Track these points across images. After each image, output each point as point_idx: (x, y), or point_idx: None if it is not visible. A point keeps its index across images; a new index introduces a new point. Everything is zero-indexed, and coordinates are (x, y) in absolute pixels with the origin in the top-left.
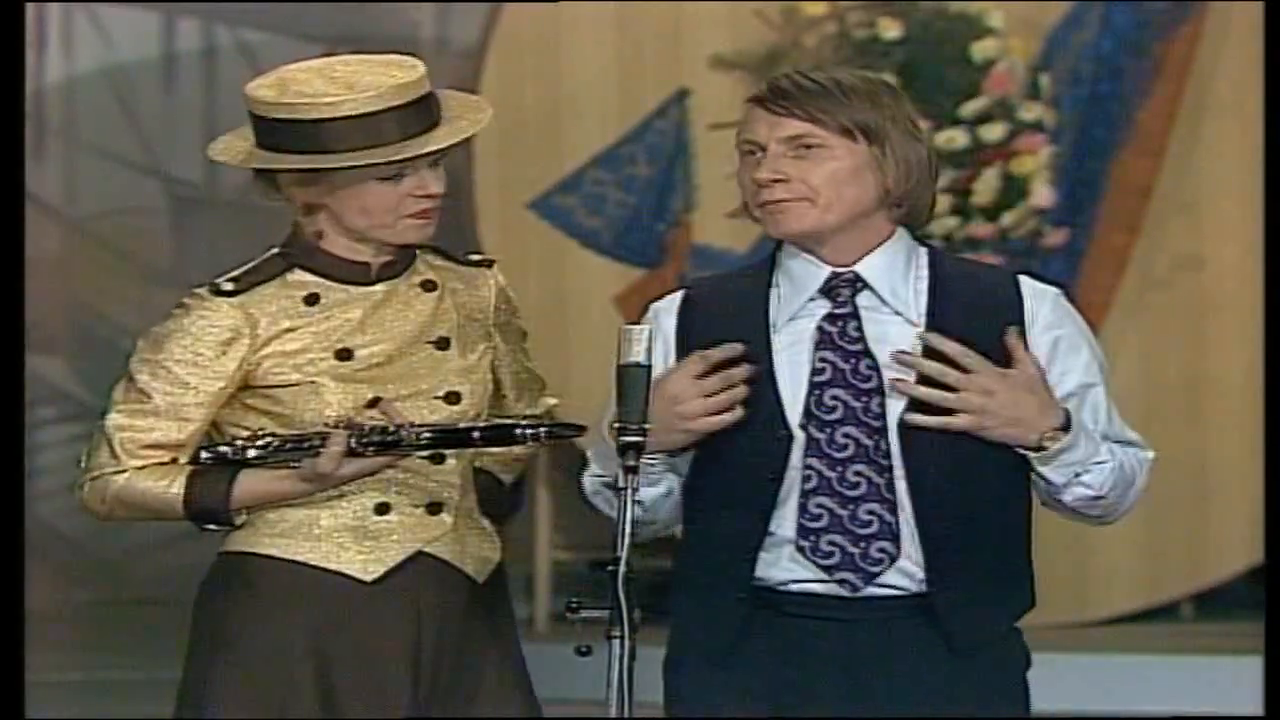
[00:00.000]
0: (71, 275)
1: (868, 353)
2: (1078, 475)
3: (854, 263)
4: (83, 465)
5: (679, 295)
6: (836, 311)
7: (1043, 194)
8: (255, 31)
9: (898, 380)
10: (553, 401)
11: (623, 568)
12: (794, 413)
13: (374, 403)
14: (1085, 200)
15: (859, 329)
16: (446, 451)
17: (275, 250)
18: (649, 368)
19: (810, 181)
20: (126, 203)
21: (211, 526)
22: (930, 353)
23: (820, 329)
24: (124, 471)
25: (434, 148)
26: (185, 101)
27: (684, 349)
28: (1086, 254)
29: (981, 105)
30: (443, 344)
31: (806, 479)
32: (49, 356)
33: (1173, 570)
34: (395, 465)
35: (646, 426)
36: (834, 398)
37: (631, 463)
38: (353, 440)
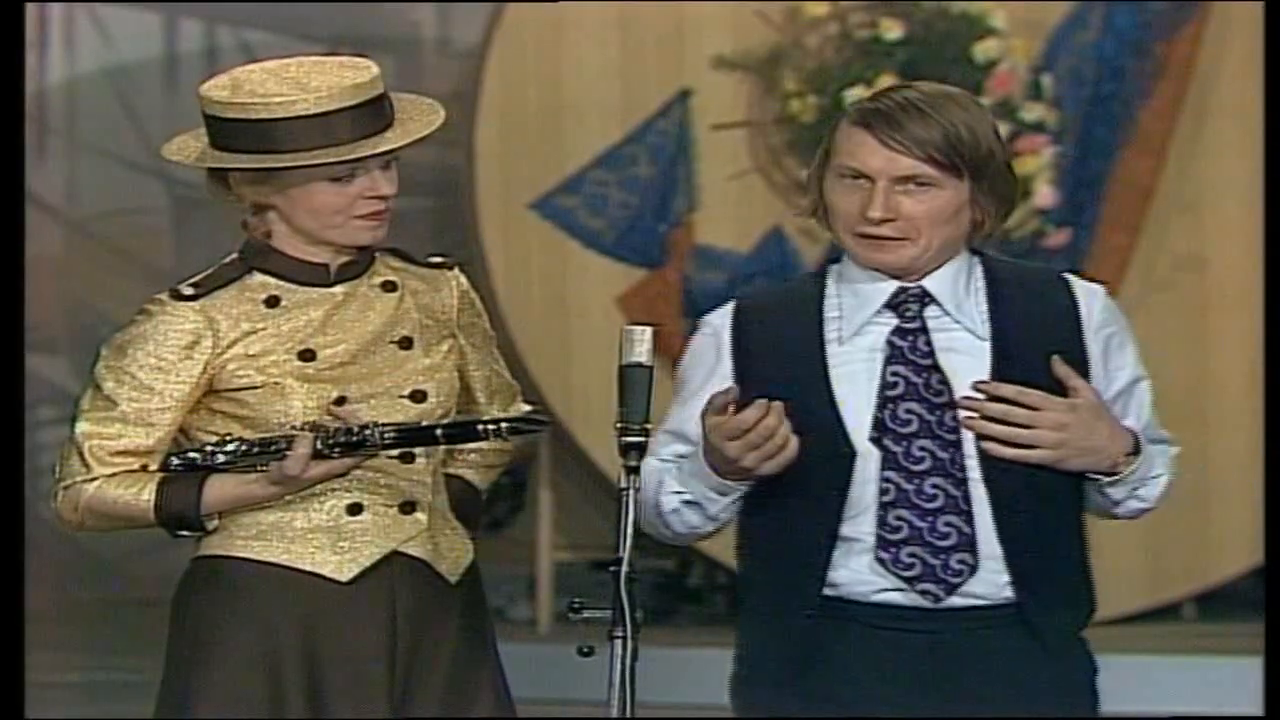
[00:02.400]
0: (72, 275)
1: (938, 367)
2: (1135, 490)
3: (921, 278)
4: (56, 475)
5: (731, 306)
6: (906, 326)
7: (1045, 194)
8: (257, 32)
9: (970, 420)
10: (526, 408)
11: (625, 568)
12: (859, 427)
13: (340, 402)
14: (1087, 200)
15: (929, 344)
16: (416, 450)
17: (234, 254)
18: (651, 368)
19: (915, 218)
20: (128, 203)
21: (184, 533)
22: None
23: (890, 343)
24: (95, 480)
25: (385, 148)
26: (187, 102)
27: (740, 358)
28: (1088, 254)
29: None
30: (406, 343)
31: (884, 491)
32: (49, 356)
33: (1174, 571)
34: (363, 466)
35: (648, 427)
36: (909, 411)
37: (633, 463)
38: (318, 442)
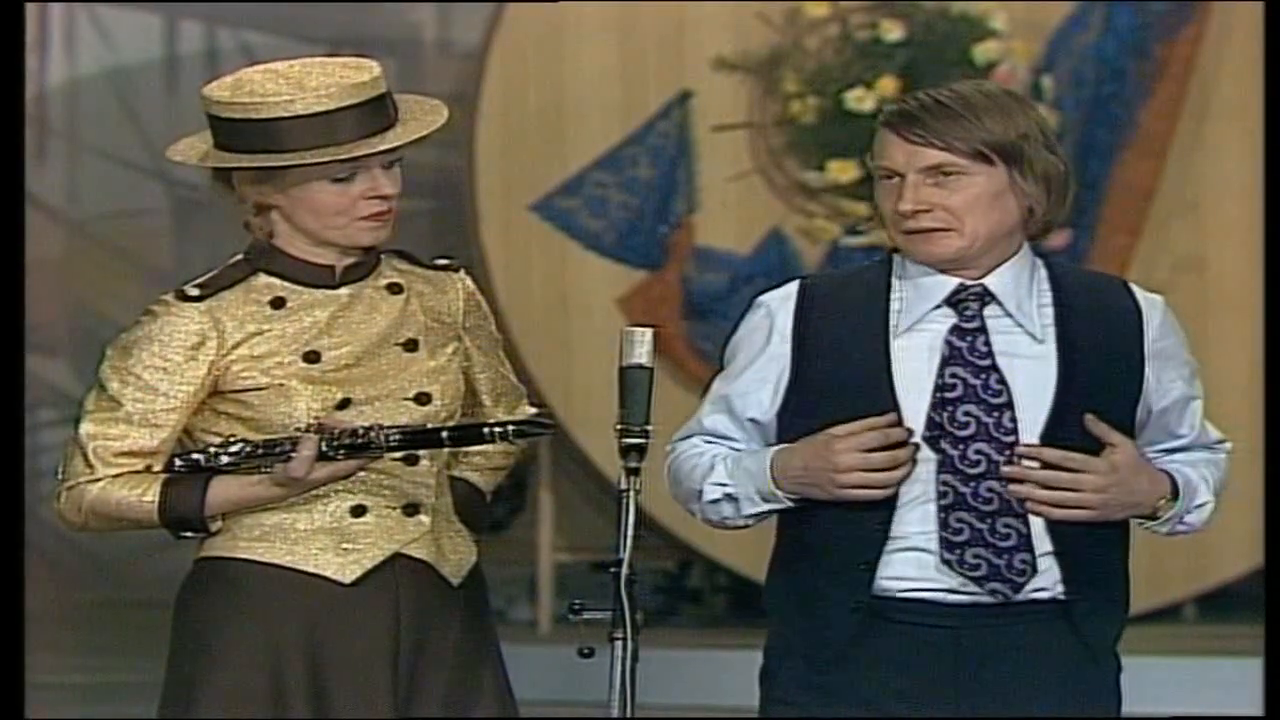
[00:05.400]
0: (73, 277)
1: (996, 368)
2: (1182, 519)
3: (982, 276)
4: (59, 476)
5: (794, 287)
6: (965, 325)
7: None
8: (257, 33)
9: (1016, 487)
10: (532, 411)
11: (625, 569)
12: (914, 423)
13: (344, 404)
14: (1087, 202)
15: (988, 344)
16: (419, 453)
17: (240, 255)
18: (651, 370)
19: (952, 208)
20: (128, 204)
21: (188, 534)
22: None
23: (949, 343)
24: (98, 480)
25: (386, 147)
26: (187, 103)
27: (800, 344)
28: (1089, 256)
29: None
30: (411, 345)
31: (943, 494)
32: (50, 358)
33: (1174, 572)
34: (367, 468)
35: (649, 428)
36: (966, 414)
37: (634, 465)
38: (323, 444)
